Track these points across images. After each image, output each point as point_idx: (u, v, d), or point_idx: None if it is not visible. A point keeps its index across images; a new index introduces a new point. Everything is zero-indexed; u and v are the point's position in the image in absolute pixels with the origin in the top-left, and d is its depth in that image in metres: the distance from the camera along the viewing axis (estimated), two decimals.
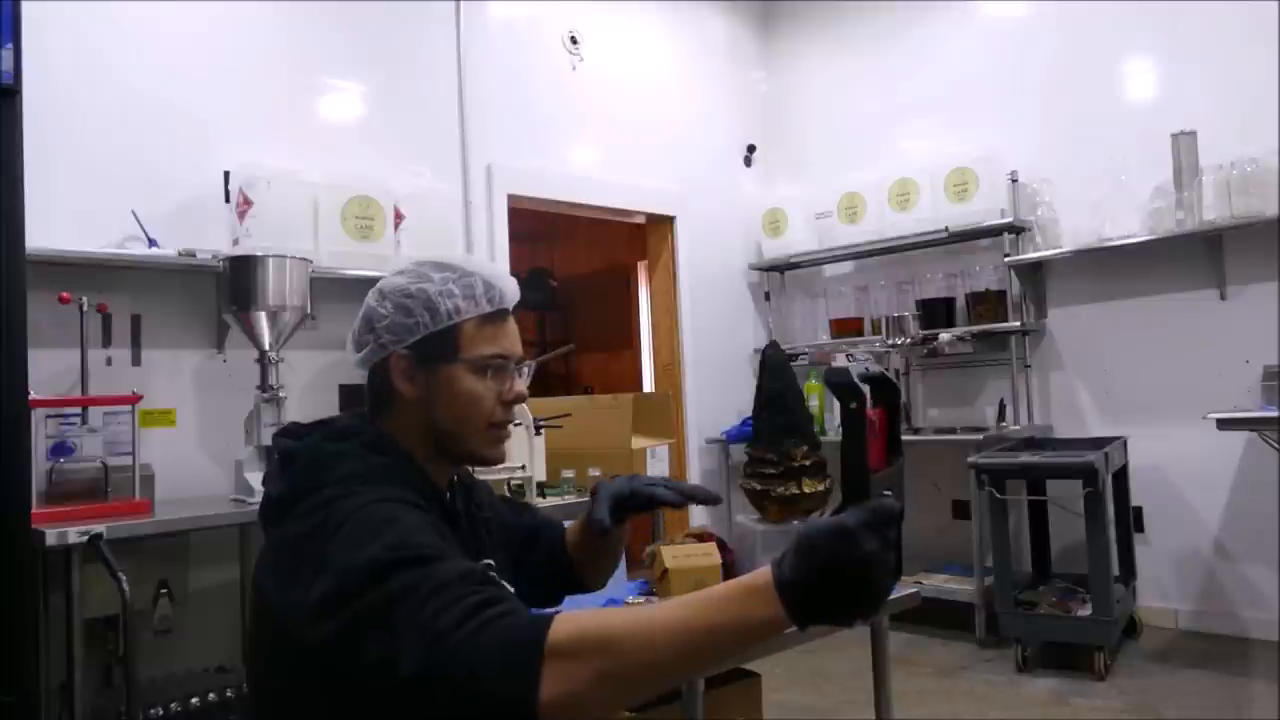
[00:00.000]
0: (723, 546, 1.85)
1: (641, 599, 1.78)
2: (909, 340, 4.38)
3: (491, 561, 1.19)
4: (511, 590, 1.04)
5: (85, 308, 2.83)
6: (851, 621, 0.88)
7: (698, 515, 4.73)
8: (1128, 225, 3.94)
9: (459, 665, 0.86)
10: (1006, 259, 4.31)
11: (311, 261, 3.12)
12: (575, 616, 0.90)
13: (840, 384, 0.92)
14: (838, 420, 0.94)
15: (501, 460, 1.28)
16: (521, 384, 1.26)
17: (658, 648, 0.87)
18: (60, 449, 2.71)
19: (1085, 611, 3.49)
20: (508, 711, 0.85)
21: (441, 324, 1.19)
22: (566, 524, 1.52)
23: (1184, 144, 3.74)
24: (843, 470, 0.92)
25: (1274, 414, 3.29)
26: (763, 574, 0.88)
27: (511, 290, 1.26)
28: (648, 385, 5.96)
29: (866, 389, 0.94)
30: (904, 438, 4.42)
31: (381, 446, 1.17)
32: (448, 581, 0.92)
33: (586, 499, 3.13)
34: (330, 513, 1.04)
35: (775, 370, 2.11)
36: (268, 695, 1.14)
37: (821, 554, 0.85)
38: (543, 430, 3.13)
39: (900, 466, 0.98)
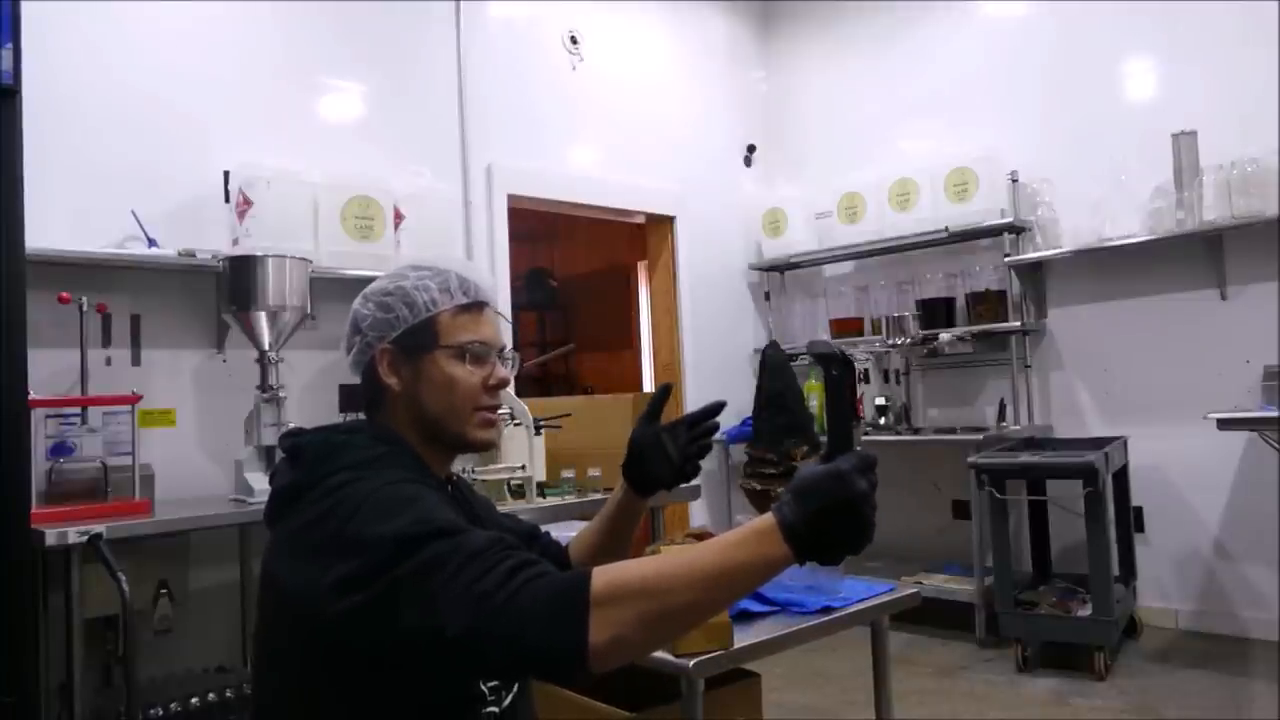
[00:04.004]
0: None
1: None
2: (909, 340, 4.39)
3: None
4: None
5: (85, 308, 2.83)
6: (841, 558, 0.98)
7: (697, 515, 4.74)
8: (1128, 225, 3.95)
9: (507, 624, 0.93)
10: (1006, 259, 4.31)
11: (311, 261, 3.13)
12: (611, 568, 0.97)
13: (822, 353, 1.06)
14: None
15: (493, 445, 1.32)
16: (504, 370, 1.29)
17: (688, 588, 0.95)
18: (60, 449, 2.71)
19: (1085, 611, 3.49)
20: (561, 660, 0.93)
21: (420, 316, 1.24)
22: (565, 540, 1.52)
23: (1184, 144, 3.74)
24: (828, 426, 1.04)
25: (1274, 414, 3.29)
26: (767, 519, 0.97)
27: (487, 284, 1.31)
28: (648, 385, 5.96)
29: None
30: (905, 438, 4.46)
31: (387, 437, 1.22)
32: (479, 550, 0.98)
33: (586, 499, 3.15)
34: (344, 496, 1.08)
35: (775, 370, 2.11)
36: (279, 688, 1.15)
37: (821, 496, 0.95)
38: (543, 430, 3.13)
39: (860, 430, 1.09)
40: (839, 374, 1.04)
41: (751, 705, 2.17)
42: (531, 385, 6.34)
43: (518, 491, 3.03)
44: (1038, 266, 4.36)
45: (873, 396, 4.73)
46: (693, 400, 4.90)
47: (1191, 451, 3.87)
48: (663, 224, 4.96)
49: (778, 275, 5.30)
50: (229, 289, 2.96)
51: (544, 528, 1.54)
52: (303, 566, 1.05)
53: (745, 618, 1.66)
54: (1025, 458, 3.69)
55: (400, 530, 1.00)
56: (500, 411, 1.34)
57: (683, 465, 1.44)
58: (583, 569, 0.97)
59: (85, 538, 2.32)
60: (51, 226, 2.75)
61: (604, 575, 0.95)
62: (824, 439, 1.08)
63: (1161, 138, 3.80)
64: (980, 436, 4.01)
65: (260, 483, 2.77)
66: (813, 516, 0.94)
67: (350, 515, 1.04)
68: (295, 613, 1.06)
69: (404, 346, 1.24)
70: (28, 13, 2.25)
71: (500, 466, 3.02)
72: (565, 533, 1.56)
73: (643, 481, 1.45)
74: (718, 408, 1.48)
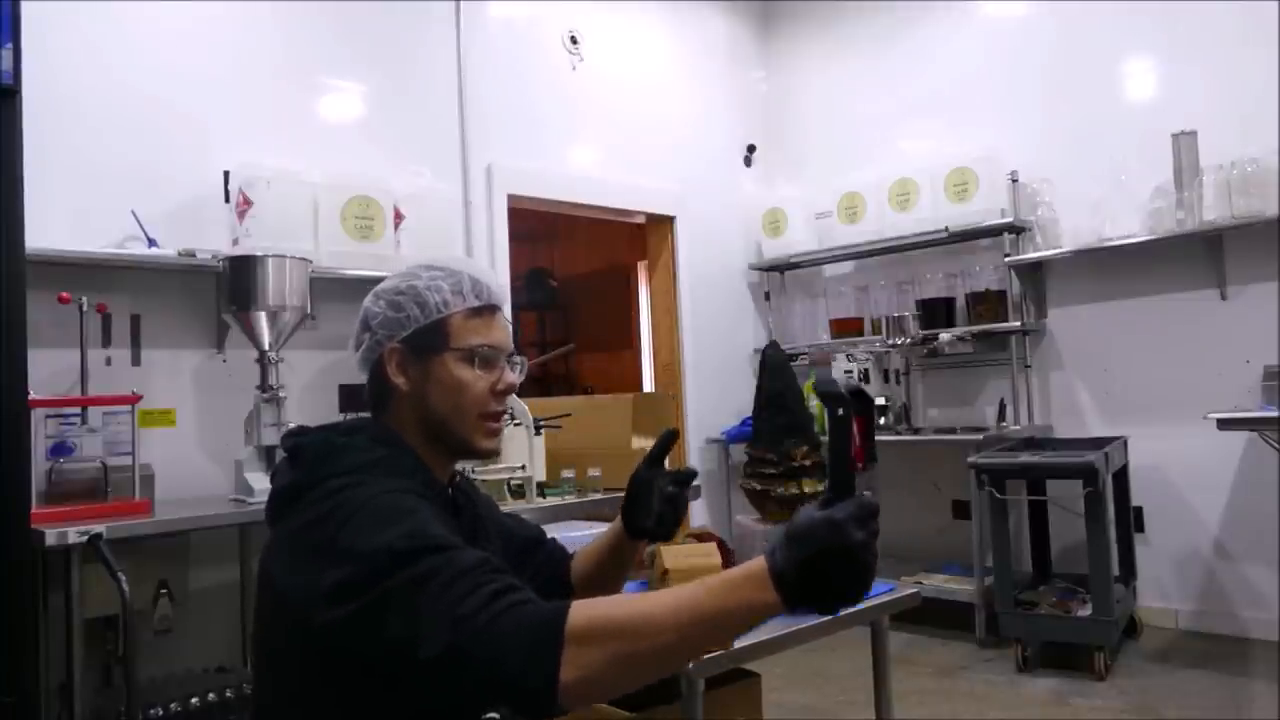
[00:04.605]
0: (723, 546, 1.85)
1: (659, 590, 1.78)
2: (909, 340, 4.39)
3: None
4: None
5: (85, 308, 2.82)
6: (837, 608, 0.93)
7: (698, 515, 4.74)
8: (1128, 225, 3.95)
9: (482, 650, 0.92)
10: (1006, 259, 4.31)
11: (311, 261, 3.12)
12: (590, 604, 0.96)
13: (828, 392, 1.01)
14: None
15: (496, 453, 1.31)
16: (512, 375, 1.29)
17: (667, 632, 0.93)
18: (60, 449, 2.71)
19: (1085, 611, 3.49)
20: (530, 694, 0.91)
21: (431, 317, 1.24)
22: (571, 543, 1.52)
23: (1184, 144, 3.74)
24: (829, 469, 1.00)
25: (1274, 414, 3.29)
26: (758, 563, 0.93)
27: (498, 287, 1.30)
28: (648, 385, 5.96)
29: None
30: (905, 438, 4.45)
31: (387, 439, 1.21)
32: (466, 569, 0.97)
33: (586, 499, 3.14)
34: (340, 501, 1.08)
35: (775, 370, 2.12)
36: (276, 688, 1.15)
37: (813, 543, 0.91)
38: (543, 430, 3.13)
39: (875, 472, 1.06)
40: (845, 414, 1.00)
41: (751, 705, 2.17)
42: (531, 385, 6.34)
43: (518, 491, 3.02)
44: (1038, 266, 4.36)
45: (872, 396, 4.73)
46: (693, 400, 4.91)
47: (1191, 451, 3.87)
48: (663, 224, 4.95)
49: (778, 275, 5.30)
50: (229, 289, 2.96)
51: (545, 528, 1.54)
52: (299, 570, 1.06)
53: None
54: (1025, 458, 3.69)
55: (393, 542, 1.00)
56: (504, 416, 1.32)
57: (661, 514, 1.41)
58: (564, 603, 0.95)
59: (85, 538, 2.32)
60: (51, 226, 2.75)
61: (583, 611, 0.93)
62: (825, 435, 1.04)
63: (1161, 138, 3.80)
64: (980, 436, 4.01)
65: (260, 483, 2.77)
66: (804, 564, 0.91)
67: (345, 522, 1.04)
68: (292, 617, 1.07)
69: (413, 347, 1.24)
70: (28, 13, 2.24)
71: (500, 466, 3.01)
72: (567, 533, 1.56)
73: (633, 526, 1.44)
74: (672, 436, 1.47)
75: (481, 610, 0.93)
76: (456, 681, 0.94)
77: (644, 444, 3.31)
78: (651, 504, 1.41)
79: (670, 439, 1.47)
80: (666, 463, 1.47)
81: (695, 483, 1.57)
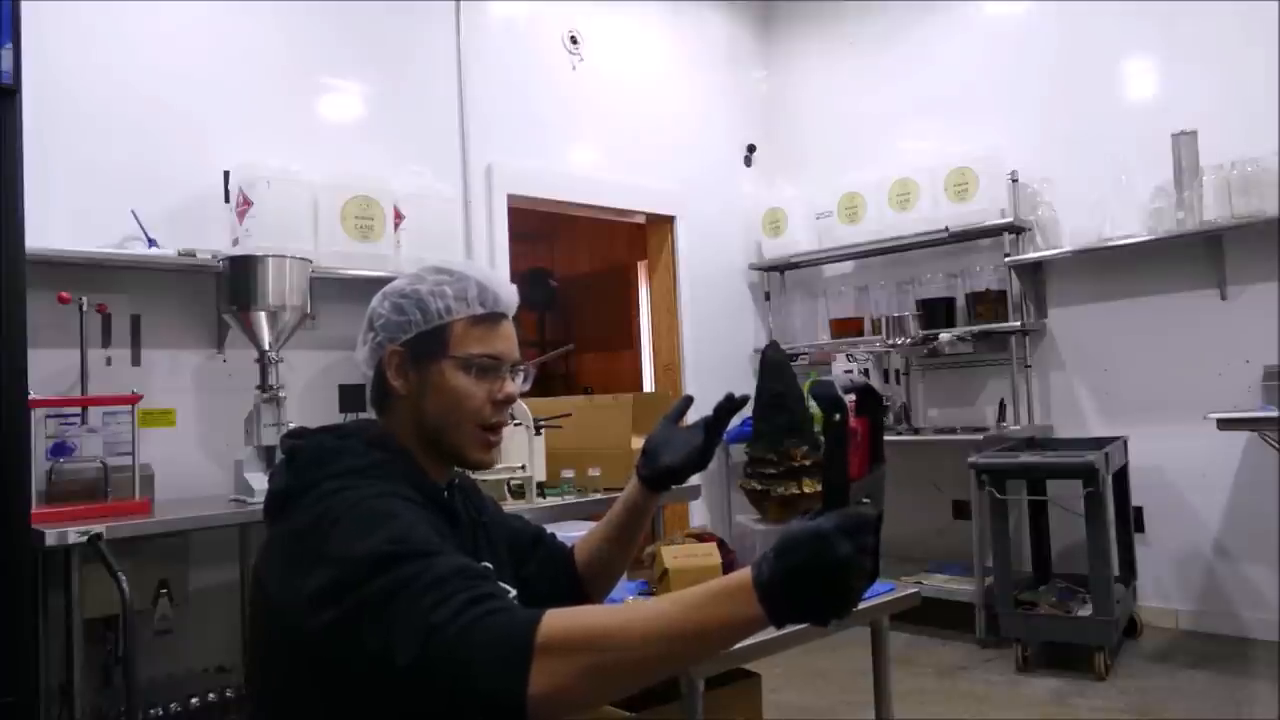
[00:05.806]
0: (723, 546, 1.85)
1: (641, 599, 1.78)
2: (909, 340, 4.39)
3: (489, 565, 1.20)
4: (512, 590, 1.05)
5: (85, 308, 2.83)
6: (826, 621, 0.90)
7: (697, 515, 4.74)
8: (1128, 225, 3.95)
9: (452, 659, 0.89)
10: (1007, 259, 4.31)
11: (311, 261, 3.12)
12: (565, 614, 0.92)
13: (823, 396, 0.97)
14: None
15: (491, 465, 1.30)
16: (512, 386, 1.28)
17: (644, 645, 0.90)
18: (60, 449, 2.72)
19: (1085, 611, 3.49)
20: (498, 705, 0.88)
21: (433, 322, 1.23)
22: (572, 540, 1.51)
23: (1184, 144, 3.74)
24: (824, 478, 0.97)
25: (1274, 414, 3.29)
26: (744, 574, 0.90)
27: (508, 295, 1.28)
28: (648, 385, 5.96)
29: (851, 398, 0.98)
30: (905, 438, 4.45)
31: (383, 443, 1.21)
32: (444, 576, 0.95)
33: (586, 499, 3.14)
34: (329, 506, 1.07)
35: (775, 370, 2.11)
36: (266, 690, 1.16)
37: (798, 556, 0.87)
38: (543, 430, 3.13)
39: (880, 475, 1.02)
40: (842, 419, 0.96)
41: (751, 705, 2.17)
42: (531, 386, 6.33)
43: (518, 491, 3.02)
44: (1038, 266, 4.36)
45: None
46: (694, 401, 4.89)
47: (1191, 451, 3.87)
48: (663, 224, 4.95)
49: (778, 275, 5.30)
50: (229, 289, 2.96)
51: (545, 529, 1.53)
52: (287, 575, 1.06)
53: None
54: (1025, 458, 3.69)
55: (373, 549, 0.99)
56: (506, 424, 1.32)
57: (706, 447, 1.48)
58: (538, 611, 0.92)
59: (85, 538, 2.31)
60: (51, 226, 2.75)
61: (556, 621, 0.90)
62: (821, 427, 1.01)
63: (1161, 138, 3.80)
64: (980, 436, 4.00)
65: (260, 483, 2.77)
66: (789, 578, 0.87)
67: (331, 527, 1.04)
68: (280, 620, 1.07)
69: (414, 351, 1.23)
70: (28, 13, 2.25)
71: (500, 466, 3.01)
72: (568, 533, 1.56)
73: (655, 476, 1.45)
74: (688, 400, 1.55)
75: (453, 620, 0.91)
76: (429, 691, 0.91)
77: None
78: (676, 446, 1.46)
79: (687, 403, 1.55)
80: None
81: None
